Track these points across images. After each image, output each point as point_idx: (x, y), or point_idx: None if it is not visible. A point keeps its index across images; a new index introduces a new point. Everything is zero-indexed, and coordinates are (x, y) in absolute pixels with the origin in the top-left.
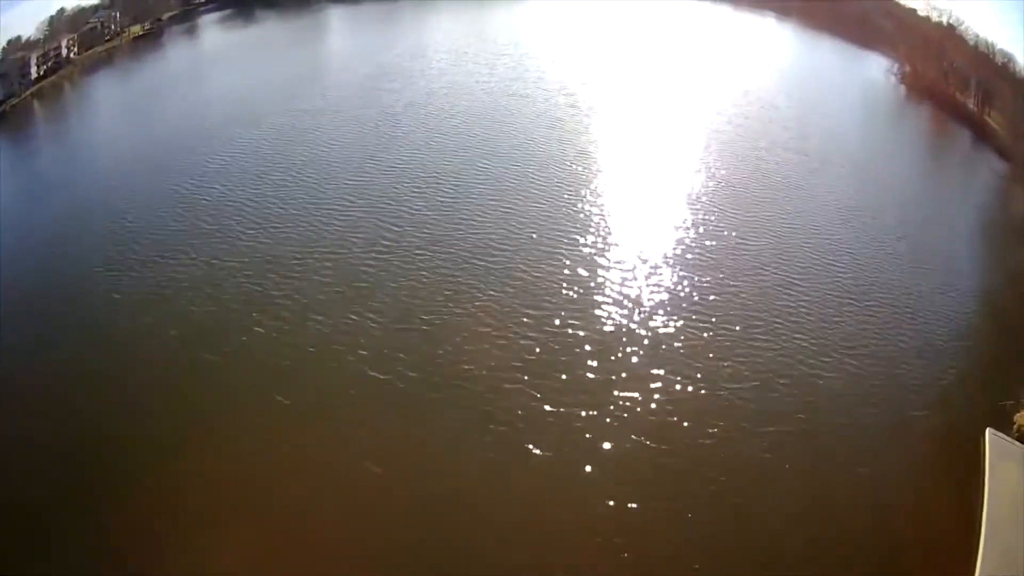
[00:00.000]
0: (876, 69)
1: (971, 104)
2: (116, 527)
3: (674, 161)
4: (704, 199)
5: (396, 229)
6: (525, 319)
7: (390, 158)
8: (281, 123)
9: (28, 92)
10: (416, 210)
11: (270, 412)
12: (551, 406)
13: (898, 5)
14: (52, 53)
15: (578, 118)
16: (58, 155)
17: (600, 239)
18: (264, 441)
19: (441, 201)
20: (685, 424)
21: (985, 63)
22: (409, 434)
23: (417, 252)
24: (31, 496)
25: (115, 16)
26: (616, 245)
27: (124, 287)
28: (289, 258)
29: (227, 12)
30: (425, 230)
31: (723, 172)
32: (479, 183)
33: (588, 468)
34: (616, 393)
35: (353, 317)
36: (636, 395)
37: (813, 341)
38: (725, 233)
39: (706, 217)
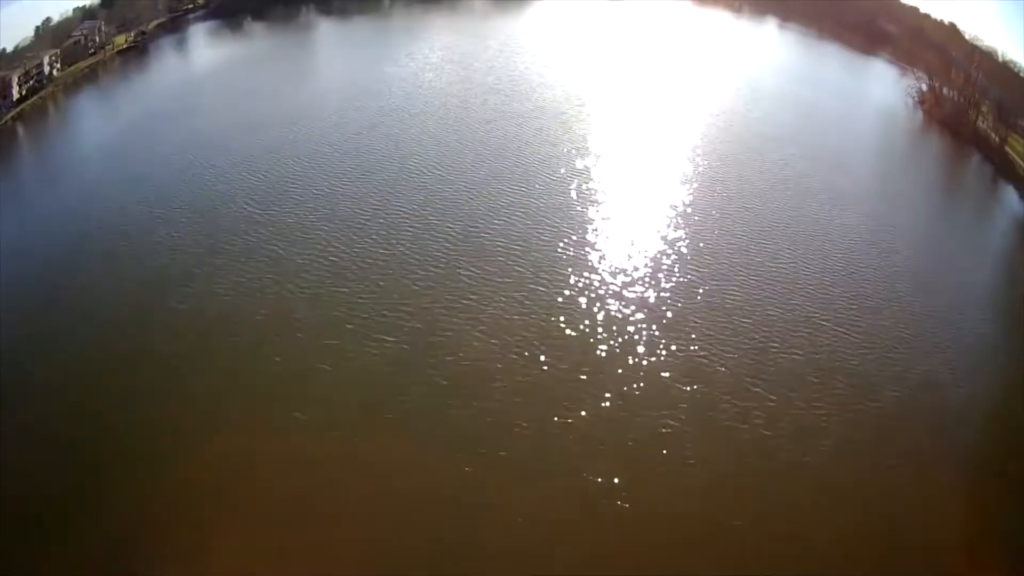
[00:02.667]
0: (889, 86)
1: (992, 133)
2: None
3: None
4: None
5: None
6: None
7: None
8: (238, 205)
9: (10, 115)
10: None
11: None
12: None
13: (905, 7)
14: (34, 71)
15: (592, 206)
16: (43, 191)
17: None
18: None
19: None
20: None
21: (1006, 82)
22: None
23: None
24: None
25: (100, 27)
26: None
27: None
28: None
29: (215, 23)
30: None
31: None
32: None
33: None
34: None
35: None
36: None
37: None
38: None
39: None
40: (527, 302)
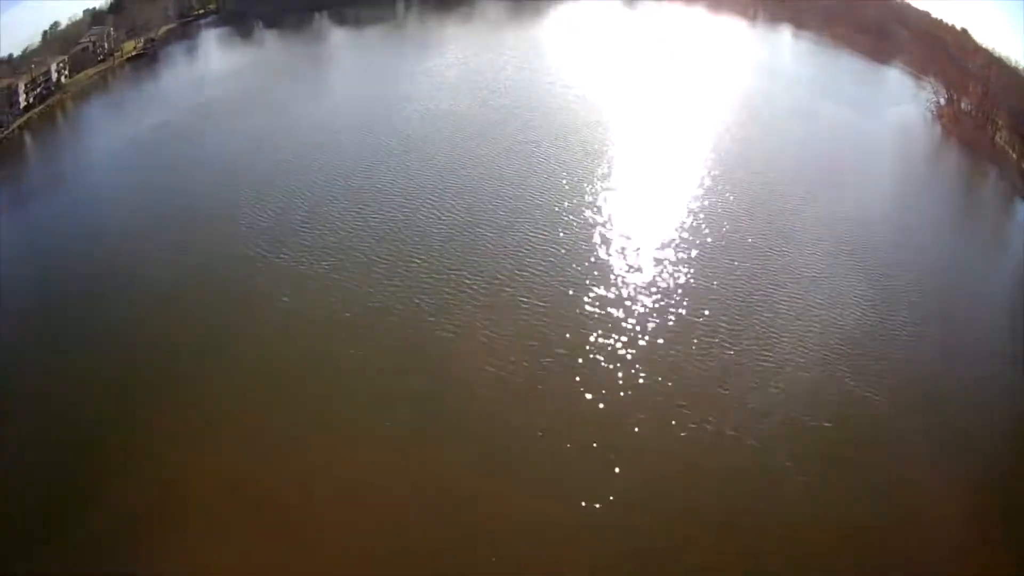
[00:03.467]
0: (905, 98)
1: (1009, 149)
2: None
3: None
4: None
5: None
6: None
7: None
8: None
9: (17, 124)
10: None
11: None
12: None
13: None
14: (41, 78)
15: (619, 256)
16: (49, 204)
17: None
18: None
19: None
20: None
21: (1021, 91)
22: None
23: None
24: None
25: (108, 33)
26: None
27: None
28: None
29: (225, 30)
30: None
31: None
32: None
33: None
34: None
35: None
36: None
37: None
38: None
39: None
40: (555, 369)
